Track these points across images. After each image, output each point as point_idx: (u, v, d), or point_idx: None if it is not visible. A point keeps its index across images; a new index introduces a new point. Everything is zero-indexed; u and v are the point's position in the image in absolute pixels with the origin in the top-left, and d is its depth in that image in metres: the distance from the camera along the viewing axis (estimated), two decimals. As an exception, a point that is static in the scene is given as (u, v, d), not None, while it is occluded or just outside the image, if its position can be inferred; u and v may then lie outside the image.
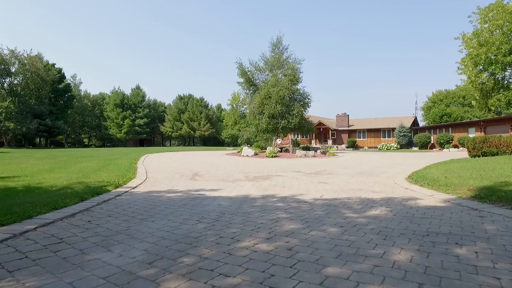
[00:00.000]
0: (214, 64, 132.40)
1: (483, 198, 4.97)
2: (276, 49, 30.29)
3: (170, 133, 69.41)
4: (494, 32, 20.04)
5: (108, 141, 71.16)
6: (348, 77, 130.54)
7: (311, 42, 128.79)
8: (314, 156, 22.71)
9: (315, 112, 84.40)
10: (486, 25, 20.91)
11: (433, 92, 55.83)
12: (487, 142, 16.83)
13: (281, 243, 2.99)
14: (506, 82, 20.61)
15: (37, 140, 59.21)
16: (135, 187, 7.05)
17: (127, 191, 6.39)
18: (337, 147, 46.25)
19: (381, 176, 9.15)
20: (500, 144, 16.65)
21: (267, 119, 26.32)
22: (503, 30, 18.81)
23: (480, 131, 31.17)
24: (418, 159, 17.59)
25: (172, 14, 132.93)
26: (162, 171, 11.08)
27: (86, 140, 74.65)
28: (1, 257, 2.60)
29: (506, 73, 20.73)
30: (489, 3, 21.79)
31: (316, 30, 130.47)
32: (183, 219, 4.00)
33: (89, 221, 3.87)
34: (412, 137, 42.25)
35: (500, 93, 19.02)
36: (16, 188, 6.32)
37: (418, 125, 50.10)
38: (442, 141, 33.66)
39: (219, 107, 76.99)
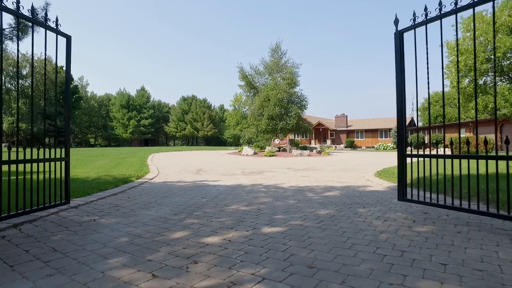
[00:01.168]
0: (217, 66, 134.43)
1: (413, 185, 6.71)
2: (275, 54, 32.00)
3: (174, 133, 71.40)
4: (477, 41, 21.67)
5: (113, 141, 73.24)
6: (346, 78, 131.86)
7: (311, 43, 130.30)
8: (309, 155, 24.44)
9: (315, 112, 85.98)
10: (468, 34, 22.60)
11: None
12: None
13: (254, 207, 4.78)
14: (487, 87, 22.27)
15: (46, 140, 61.44)
16: (152, 178, 8.87)
17: (146, 181, 8.20)
18: (335, 147, 47.94)
19: (358, 172, 10.87)
20: (479, 144, 18.38)
21: (267, 120, 28.07)
22: (480, 40, 20.49)
23: (470, 132, 32.76)
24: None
25: (176, 16, 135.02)
26: (171, 167, 12.90)
27: (92, 140, 76.80)
28: (90, 211, 4.43)
29: (487, 78, 22.40)
30: (470, 13, 23.39)
31: (316, 31, 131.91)
32: (192, 196, 5.80)
33: (128, 197, 5.69)
34: (408, 137, 43.84)
35: (479, 97, 20.68)
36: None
37: (415, 125, 51.70)
38: (434, 141, 35.26)
39: (221, 107, 78.88)
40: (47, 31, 3.90)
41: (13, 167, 3.61)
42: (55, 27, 4.01)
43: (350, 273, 2.26)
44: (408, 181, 7.01)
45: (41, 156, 5.11)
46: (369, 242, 2.99)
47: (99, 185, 6.82)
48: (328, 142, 51.49)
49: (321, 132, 53.32)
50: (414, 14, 3.97)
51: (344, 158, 20.85)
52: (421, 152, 4.34)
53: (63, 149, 4.39)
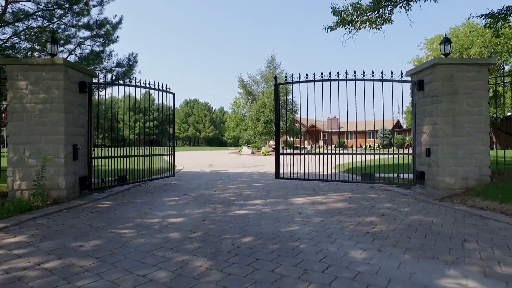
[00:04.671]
0: (218, 69, 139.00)
1: (347, 171, 11.17)
2: (270, 65, 36.52)
3: (177, 134, 75.74)
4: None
5: (117, 142, 77.26)
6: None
7: (307, 45, 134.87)
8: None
9: (309, 115, 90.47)
10: (430, 53, 27.17)
11: (415, 97, 61.73)
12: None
13: (250, 179, 9.24)
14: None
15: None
16: (182, 169, 13.30)
17: (180, 171, 12.63)
18: (326, 147, 52.38)
19: (328, 167, 15.31)
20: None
21: (263, 124, 32.51)
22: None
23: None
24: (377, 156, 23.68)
25: (177, 22, 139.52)
26: (189, 163, 17.35)
27: (100, 141, 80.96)
28: (162, 184, 8.89)
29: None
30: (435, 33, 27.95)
31: (315, 34, 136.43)
32: (213, 177, 10.24)
33: (180, 176, 10.14)
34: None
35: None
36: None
37: (402, 127, 56.16)
38: (411, 142, 39.83)
39: (221, 110, 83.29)
40: (167, 93, 8.34)
41: (150, 158, 8.03)
42: (170, 91, 8.34)
43: (278, 191, 6.73)
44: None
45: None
46: (283, 188, 7.46)
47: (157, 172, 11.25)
48: (321, 142, 55.93)
49: (314, 134, 57.76)
50: (285, 77, 8.12)
51: (324, 157, 25.28)
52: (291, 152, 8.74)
53: (171, 148, 8.84)
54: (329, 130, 54.55)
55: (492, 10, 6.46)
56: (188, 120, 73.51)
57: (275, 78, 8.25)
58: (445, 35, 6.69)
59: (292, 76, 7.88)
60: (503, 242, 3.10)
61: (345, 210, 4.75)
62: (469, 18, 9.09)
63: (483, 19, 6.68)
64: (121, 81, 7.20)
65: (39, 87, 5.32)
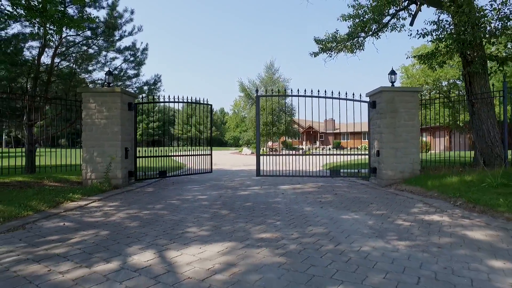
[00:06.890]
0: (218, 71, 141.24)
1: (330, 168, 13.49)
2: (269, 70, 38.97)
3: (180, 135, 78.09)
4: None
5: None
6: (337, 80, 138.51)
7: (308, 45, 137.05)
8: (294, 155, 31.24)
9: (307, 116, 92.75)
10: (416, 61, 29.47)
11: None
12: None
13: (250, 174, 11.58)
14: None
15: (63, 141, 68.00)
16: (191, 167, 15.63)
17: (190, 169, 14.97)
18: (323, 147, 54.71)
19: (317, 165, 17.66)
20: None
21: (262, 126, 34.84)
22: (422, 67, 27.36)
23: (429, 135, 39.66)
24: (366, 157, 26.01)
25: (177, 23, 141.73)
26: (196, 162, 19.70)
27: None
28: (182, 178, 11.25)
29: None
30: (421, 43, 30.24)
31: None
32: (220, 173, 12.57)
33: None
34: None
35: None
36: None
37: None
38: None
39: (222, 111, 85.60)
40: (206, 105, 10.62)
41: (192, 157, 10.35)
42: (208, 103, 10.60)
43: (270, 182, 9.06)
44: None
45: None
46: (268, 181, 9.80)
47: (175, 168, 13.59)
48: (318, 143, 58.25)
49: (311, 134, 60.09)
50: (266, 91, 10.62)
51: (316, 157, 27.61)
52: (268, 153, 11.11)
53: (209, 148, 11.16)
54: (320, 133, 56.71)
55: (422, 53, 8.76)
56: (190, 121, 75.80)
57: (256, 91, 10.64)
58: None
59: (272, 90, 10.43)
60: (390, 204, 5.45)
61: (313, 192, 7.08)
62: (407, 58, 11.41)
63: (416, 59, 8.99)
64: (165, 99, 9.46)
65: (103, 107, 7.66)
